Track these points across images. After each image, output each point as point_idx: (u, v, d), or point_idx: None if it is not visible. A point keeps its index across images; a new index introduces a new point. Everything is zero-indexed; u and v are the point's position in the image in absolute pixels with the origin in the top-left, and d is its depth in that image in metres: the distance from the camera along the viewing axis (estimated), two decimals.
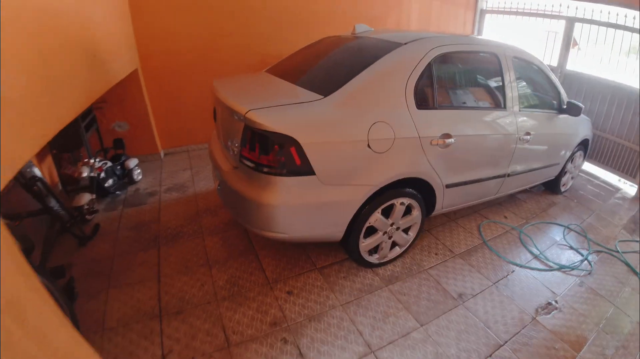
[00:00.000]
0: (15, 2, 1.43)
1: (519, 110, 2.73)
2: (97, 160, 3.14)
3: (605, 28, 4.20)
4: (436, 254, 2.68)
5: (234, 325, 2.00)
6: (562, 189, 3.78)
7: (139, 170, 3.61)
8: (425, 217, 2.53)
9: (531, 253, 2.79)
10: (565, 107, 3.08)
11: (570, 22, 4.50)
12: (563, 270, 2.64)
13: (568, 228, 3.17)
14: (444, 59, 2.32)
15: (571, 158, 3.56)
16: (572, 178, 3.85)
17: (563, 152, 3.37)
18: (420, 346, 1.94)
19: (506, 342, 2.00)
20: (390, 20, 5.06)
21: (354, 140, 1.97)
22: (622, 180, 4.26)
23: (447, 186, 2.45)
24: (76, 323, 1.86)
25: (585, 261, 2.73)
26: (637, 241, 3.07)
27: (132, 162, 3.50)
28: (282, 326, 2.01)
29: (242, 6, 4.00)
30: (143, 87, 3.78)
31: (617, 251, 2.88)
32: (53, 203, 2.34)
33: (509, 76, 2.64)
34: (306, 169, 1.89)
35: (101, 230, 2.79)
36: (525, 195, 3.72)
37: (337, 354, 1.86)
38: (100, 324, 1.98)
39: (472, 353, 1.92)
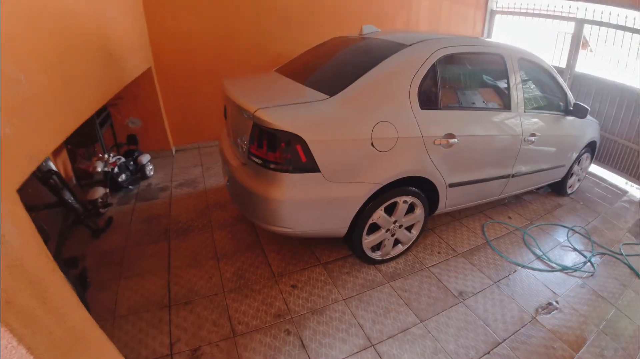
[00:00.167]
0: (37, 6, 1.52)
1: (525, 112, 2.75)
2: (111, 155, 3.24)
3: (614, 30, 4.17)
4: (439, 252, 2.72)
5: (240, 316, 2.07)
6: (569, 191, 3.78)
7: (151, 166, 3.71)
8: (428, 216, 2.57)
9: (534, 253, 2.81)
10: (571, 108, 3.09)
11: (580, 23, 4.48)
12: (565, 271, 2.65)
13: (572, 230, 3.18)
14: (448, 60, 2.35)
15: (578, 160, 3.55)
16: (578, 180, 3.84)
17: (569, 154, 3.37)
18: (419, 341, 1.99)
19: (505, 340, 2.03)
20: (400, 20, 5.08)
21: (358, 139, 2.03)
22: (630, 183, 4.23)
23: (450, 185, 2.49)
24: (88, 311, 1.95)
25: (588, 263, 2.74)
26: None
27: (145, 158, 3.60)
28: (285, 318, 2.08)
29: (254, 6, 4.07)
30: (156, 85, 3.88)
31: (621, 254, 2.88)
32: (68, 196, 2.44)
33: (515, 77, 2.67)
34: (311, 166, 1.95)
35: (114, 223, 2.89)
36: (531, 196, 3.73)
37: (338, 347, 1.92)
38: (112, 312, 2.07)
39: (470, 350, 1.96)
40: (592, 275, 2.63)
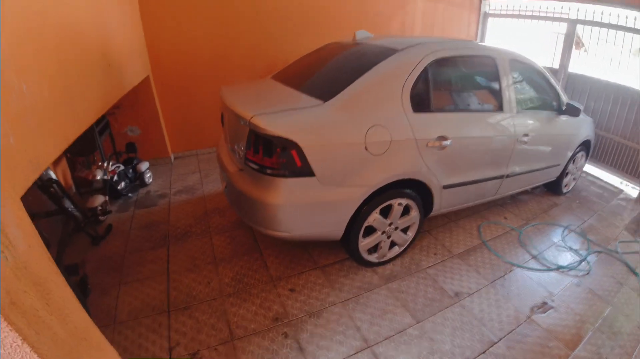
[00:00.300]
0: (38, 17, 1.56)
1: (517, 112, 2.78)
2: (110, 163, 3.28)
3: (606, 29, 4.22)
4: (435, 254, 2.75)
5: (238, 320, 2.10)
6: (564, 190, 3.80)
7: (150, 173, 3.75)
8: (423, 217, 2.60)
9: (529, 253, 2.83)
10: (564, 108, 3.13)
11: (572, 24, 4.53)
12: (561, 270, 2.67)
13: (568, 229, 3.20)
14: (440, 63, 2.39)
15: (573, 159, 3.58)
16: (574, 179, 3.86)
17: (564, 153, 3.40)
18: (415, 341, 2.01)
19: (500, 339, 2.05)
20: (395, 24, 5.14)
21: (351, 143, 2.07)
22: (625, 182, 4.25)
23: (445, 187, 2.52)
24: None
25: (584, 262, 2.76)
26: (637, 241, 3.09)
27: (144, 165, 3.64)
28: (283, 321, 2.10)
29: (252, 13, 4.12)
30: (154, 93, 3.93)
31: (617, 252, 2.90)
32: (68, 204, 2.48)
33: (506, 79, 2.70)
34: (306, 170, 1.99)
35: (113, 230, 2.93)
36: (527, 196, 3.76)
37: (335, 348, 1.94)
38: (112, 318, 2.10)
39: (466, 349, 1.98)
40: (587, 274, 2.65)
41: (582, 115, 3.40)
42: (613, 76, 4.27)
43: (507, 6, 5.41)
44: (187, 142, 4.43)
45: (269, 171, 2.01)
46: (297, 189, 2.03)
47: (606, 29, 4.24)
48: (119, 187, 3.33)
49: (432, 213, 2.67)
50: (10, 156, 1.09)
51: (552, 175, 3.49)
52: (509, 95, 2.72)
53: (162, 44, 3.83)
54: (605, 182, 4.29)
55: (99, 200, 2.91)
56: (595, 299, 2.42)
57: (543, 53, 4.94)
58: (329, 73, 2.54)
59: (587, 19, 4.39)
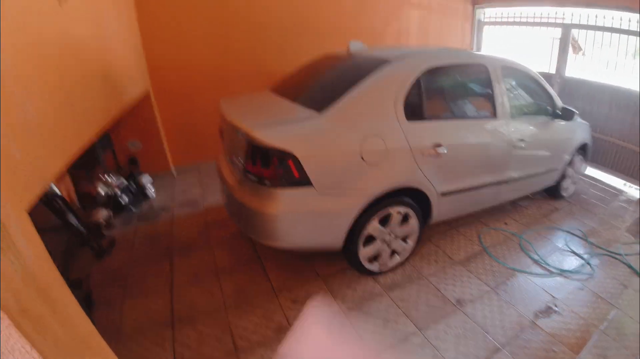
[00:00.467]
0: (41, 35, 1.62)
1: (511, 118, 2.81)
2: (113, 178, 3.32)
3: (601, 32, 4.27)
4: (436, 261, 2.75)
5: (241, 332, 2.11)
6: (564, 194, 3.81)
7: (152, 187, 3.79)
8: (423, 225, 2.61)
9: (531, 258, 2.83)
10: (559, 112, 3.16)
11: (567, 29, 4.59)
12: (564, 274, 2.67)
13: (569, 232, 3.20)
14: (432, 73, 2.44)
15: (571, 163, 3.60)
16: (573, 183, 3.87)
17: (561, 157, 3.42)
18: (418, 350, 2.01)
19: (504, 346, 2.05)
20: (391, 34, 5.22)
21: (347, 152, 2.10)
22: (627, 183, 4.26)
23: (443, 194, 2.54)
24: None
25: (587, 265, 2.76)
26: (639, 243, 3.07)
27: (146, 179, 3.68)
28: (286, 332, 2.10)
29: (249, 27, 4.20)
30: (155, 108, 3.98)
31: (620, 254, 2.89)
32: (71, 218, 2.51)
33: (499, 86, 2.74)
34: (304, 181, 2.03)
35: (117, 244, 2.95)
36: (527, 202, 3.76)
37: None
38: (117, 331, 2.11)
39: (470, 357, 1.97)
40: (591, 277, 2.64)
41: (577, 119, 3.43)
42: (609, 79, 4.31)
43: (502, 14, 5.48)
44: (188, 154, 4.48)
45: (267, 182, 2.05)
46: (295, 199, 2.05)
47: (601, 32, 4.29)
48: (122, 201, 3.36)
49: (431, 221, 2.68)
50: (17, 171, 1.13)
51: (550, 179, 3.51)
52: (503, 101, 2.76)
53: (161, 58, 3.90)
54: (606, 185, 4.30)
55: (103, 214, 2.95)
56: (600, 302, 2.41)
57: (539, 58, 5.00)
58: (323, 84, 2.59)
59: (581, 22, 4.44)
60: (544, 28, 4.99)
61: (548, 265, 2.76)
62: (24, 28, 1.45)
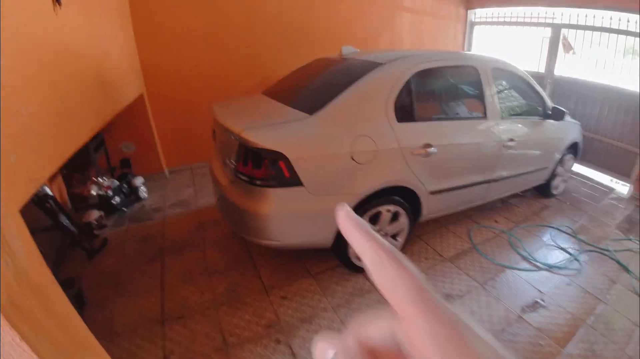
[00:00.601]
0: (34, 42, 1.64)
1: (501, 118, 2.85)
2: (105, 179, 3.34)
3: (591, 32, 4.33)
4: (426, 258, 2.78)
5: (232, 328, 2.13)
6: (554, 192, 3.86)
7: (144, 188, 3.80)
8: (413, 223, 2.64)
9: (520, 254, 2.87)
10: (549, 112, 3.20)
11: (557, 28, 4.64)
12: (552, 269, 2.71)
13: (558, 229, 3.24)
14: (422, 75, 2.48)
15: (561, 162, 3.64)
16: (564, 181, 3.92)
17: (551, 156, 3.46)
18: None
19: None
20: (384, 38, 5.26)
21: (337, 153, 2.14)
22: (615, 180, 4.30)
23: (432, 193, 2.57)
24: None
25: (575, 261, 2.80)
26: (629, 239, 3.12)
27: (138, 181, 3.70)
28: (276, 328, 2.14)
29: (244, 30, 4.23)
30: (148, 110, 4.00)
31: (608, 250, 2.93)
32: (63, 219, 2.52)
33: (489, 86, 2.78)
34: (295, 181, 2.06)
35: (109, 244, 2.97)
36: (517, 200, 3.80)
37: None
38: (108, 330, 2.13)
39: None
40: (578, 272, 2.68)
41: (568, 118, 3.47)
42: (599, 78, 4.36)
43: (493, 14, 5.54)
44: (181, 156, 4.49)
45: (258, 182, 2.08)
46: (286, 199, 2.09)
47: (590, 32, 4.35)
48: (114, 202, 3.37)
49: (421, 219, 2.71)
50: (11, 173, 1.17)
51: (541, 178, 3.55)
52: (493, 101, 2.80)
53: (155, 61, 3.92)
54: (596, 182, 4.34)
55: (94, 214, 2.96)
56: (587, 297, 2.44)
57: (530, 58, 5.05)
58: (315, 87, 2.63)
59: (571, 22, 4.49)
60: (534, 28, 5.05)
61: (536, 261, 2.79)
62: (19, 34, 1.47)
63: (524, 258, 2.83)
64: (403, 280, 0.21)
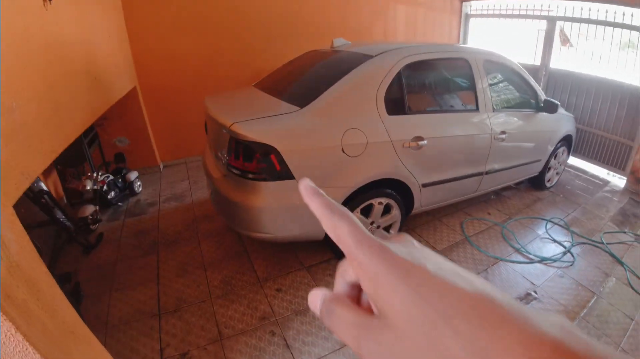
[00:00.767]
0: (25, 36, 1.63)
1: (493, 111, 2.86)
2: (100, 173, 3.34)
3: (586, 24, 4.32)
4: None
5: (227, 320, 2.16)
6: (548, 185, 3.88)
7: (139, 182, 3.81)
8: (405, 216, 2.66)
9: (513, 247, 2.90)
10: (542, 104, 3.21)
11: (552, 21, 4.63)
12: (544, 262, 2.73)
13: (551, 221, 3.27)
14: (413, 67, 2.48)
15: (554, 154, 3.66)
16: (557, 173, 3.93)
17: (544, 149, 3.47)
18: None
19: None
20: (378, 30, 5.24)
21: (328, 146, 2.14)
22: (611, 173, 4.33)
23: (424, 185, 2.59)
24: None
25: (568, 253, 2.82)
26: (623, 232, 3.14)
27: (133, 175, 3.70)
28: (270, 320, 2.16)
29: (236, 23, 4.20)
30: (141, 104, 3.99)
31: (602, 243, 2.95)
32: (59, 214, 2.53)
33: (480, 79, 2.78)
34: (286, 174, 2.07)
35: (104, 239, 2.98)
36: (510, 192, 3.83)
37: (320, 344, 2.00)
38: (104, 323, 2.15)
39: None
40: (571, 265, 2.70)
41: (561, 111, 3.48)
42: (595, 71, 4.36)
43: (488, 6, 5.51)
44: (175, 150, 4.49)
45: (250, 175, 2.09)
46: (278, 192, 2.10)
47: (586, 25, 4.34)
48: (108, 197, 3.38)
49: (413, 211, 2.73)
50: (3, 168, 1.18)
51: (534, 170, 3.56)
52: (484, 94, 2.80)
53: (148, 55, 3.90)
54: (590, 175, 4.36)
55: (90, 209, 2.97)
56: (580, 289, 2.46)
57: (525, 50, 5.04)
58: (306, 80, 2.63)
59: (567, 15, 4.48)
60: (530, 20, 5.03)
61: (529, 253, 2.82)
62: (8, 30, 1.47)
63: (517, 250, 2.85)
64: (347, 228, 0.25)
